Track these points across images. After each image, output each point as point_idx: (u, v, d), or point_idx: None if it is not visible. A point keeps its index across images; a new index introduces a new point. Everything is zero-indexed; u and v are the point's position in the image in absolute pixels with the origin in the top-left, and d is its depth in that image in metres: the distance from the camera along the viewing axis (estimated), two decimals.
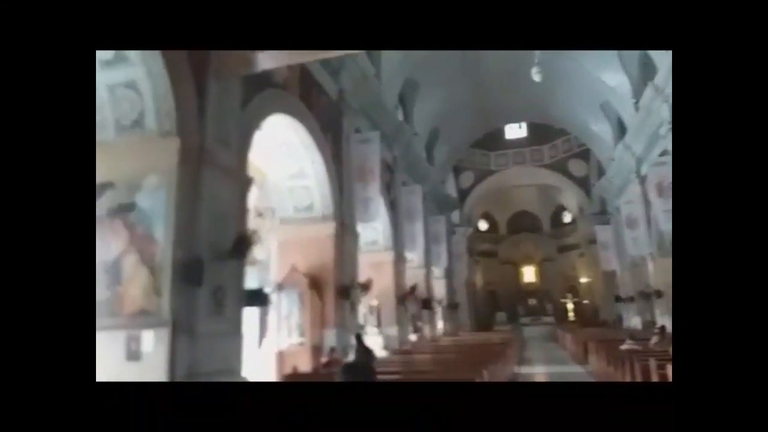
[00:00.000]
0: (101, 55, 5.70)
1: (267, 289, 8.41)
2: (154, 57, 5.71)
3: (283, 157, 9.50)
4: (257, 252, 8.86)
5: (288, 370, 7.50)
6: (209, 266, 5.76)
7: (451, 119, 20.67)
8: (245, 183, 6.89)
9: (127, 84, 5.89)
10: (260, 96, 7.47)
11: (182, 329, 5.41)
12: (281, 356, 8.69)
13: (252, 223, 7.72)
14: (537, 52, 11.55)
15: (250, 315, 9.32)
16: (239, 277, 6.53)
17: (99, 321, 5.48)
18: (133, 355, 5.35)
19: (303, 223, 9.88)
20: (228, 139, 6.56)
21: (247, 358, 6.71)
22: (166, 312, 5.35)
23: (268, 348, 9.06)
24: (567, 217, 31.38)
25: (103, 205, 5.81)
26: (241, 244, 6.34)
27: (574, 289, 30.81)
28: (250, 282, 7.42)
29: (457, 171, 26.32)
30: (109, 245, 5.71)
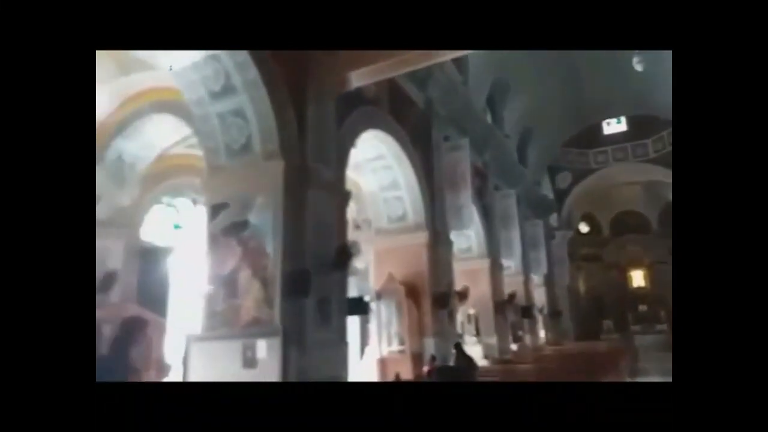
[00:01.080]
0: (211, 86, 6.31)
1: (367, 298, 8.67)
2: (257, 85, 6.20)
3: (376, 171, 9.78)
4: (357, 262, 9.17)
5: (390, 377, 7.63)
6: (315, 277, 6.06)
7: (544, 118, 19.86)
8: (344, 197, 7.19)
9: (234, 112, 6.45)
10: (354, 114, 7.79)
11: (292, 338, 5.74)
12: (383, 363, 8.87)
13: (350, 234, 8.02)
14: None
15: (352, 323, 9.65)
16: (342, 287, 6.81)
17: (217, 331, 6.05)
18: (249, 362, 5.75)
19: (397, 232, 10.07)
20: (327, 157, 6.90)
21: (351, 366, 6.94)
22: (277, 322, 5.72)
23: (370, 356, 9.29)
24: None
25: (218, 224, 6.39)
26: (343, 256, 6.62)
27: None
28: (351, 292, 7.70)
29: (553, 171, 25.09)
30: (225, 261, 6.25)
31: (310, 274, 5.98)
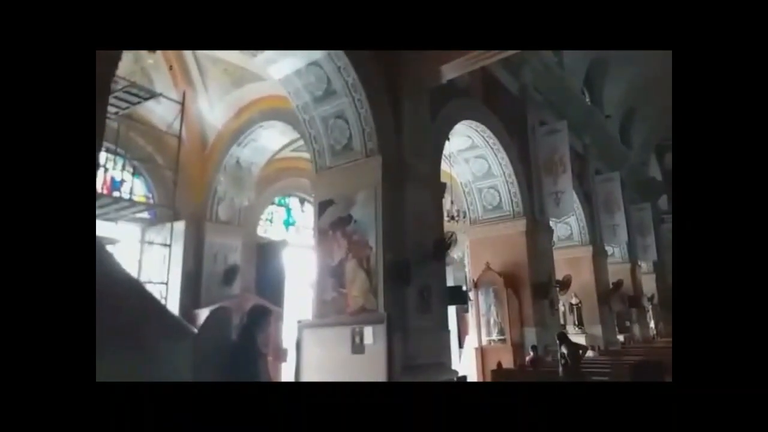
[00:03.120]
0: (314, 92, 6.80)
1: (464, 288, 8.80)
2: (356, 87, 6.57)
3: (470, 161, 9.81)
4: (453, 252, 9.32)
5: (491, 366, 7.71)
6: (414, 267, 6.32)
7: (648, 95, 18.33)
8: (440, 189, 7.37)
9: (336, 114, 6.89)
10: (447, 107, 7.91)
11: (396, 325, 6.04)
12: (482, 352, 8.95)
13: (446, 225, 8.18)
14: None
15: (449, 312, 9.83)
16: (441, 276, 7.01)
17: (327, 318, 6.53)
18: (358, 348, 6.14)
19: (493, 222, 10.03)
20: (422, 151, 7.12)
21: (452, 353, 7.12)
22: (381, 309, 6.06)
23: (470, 344, 9.41)
24: None
25: (326, 219, 6.89)
26: (441, 246, 6.81)
27: None
28: (448, 281, 7.87)
29: (661, 151, 23.09)
30: (333, 253, 6.73)
31: (410, 263, 6.25)
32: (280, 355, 8.27)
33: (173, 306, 8.12)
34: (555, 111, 12.03)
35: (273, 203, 10.77)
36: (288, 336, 8.25)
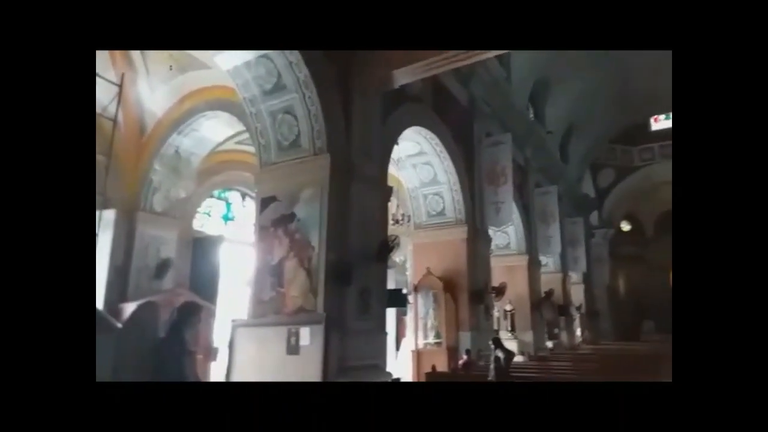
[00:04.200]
0: (264, 85, 6.63)
1: (404, 291, 8.89)
2: (308, 84, 6.47)
3: (417, 167, 9.95)
4: (395, 256, 9.39)
5: (426, 368, 7.83)
6: (356, 269, 6.31)
7: (587, 115, 19.42)
8: (386, 192, 7.40)
9: (285, 110, 6.76)
10: (398, 111, 7.98)
11: (334, 326, 6.00)
12: (418, 355, 9.07)
13: (390, 229, 8.24)
14: None
15: (388, 315, 9.90)
16: (382, 278, 7.04)
17: (263, 318, 6.37)
18: (293, 349, 6.03)
19: (436, 227, 10.22)
20: (371, 153, 7.13)
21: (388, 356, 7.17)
22: (320, 310, 5.99)
23: (407, 347, 9.51)
24: None
25: (267, 216, 6.73)
26: (384, 249, 6.84)
27: None
28: (389, 284, 7.92)
29: (595, 169, 24.48)
30: (273, 251, 6.58)
31: (352, 265, 6.23)
32: (210, 354, 7.97)
33: (97, 299, 7.63)
34: (500, 123, 12.46)
35: (212, 196, 10.38)
36: (220, 335, 7.98)
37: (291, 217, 6.54)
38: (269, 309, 6.39)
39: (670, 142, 24.07)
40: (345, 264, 6.22)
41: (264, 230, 6.70)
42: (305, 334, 5.99)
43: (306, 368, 5.77)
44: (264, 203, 6.81)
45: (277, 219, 6.63)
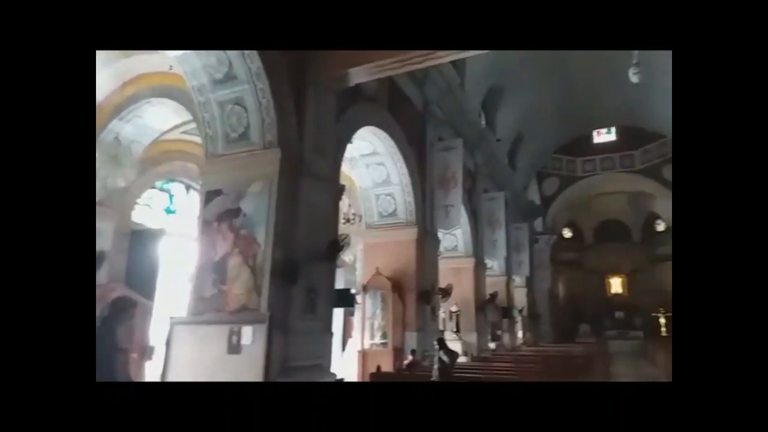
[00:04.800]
0: (214, 74, 6.38)
1: (353, 291, 8.84)
2: (260, 76, 6.29)
3: (370, 166, 9.93)
4: (345, 255, 9.32)
5: (371, 369, 7.81)
6: (303, 267, 6.19)
7: (535, 125, 20.17)
8: (338, 191, 7.32)
9: (235, 101, 6.54)
10: (352, 109, 7.92)
11: (278, 325, 5.86)
12: (364, 356, 9.05)
13: (341, 228, 8.16)
14: (635, 52, 10.92)
15: (335, 315, 9.81)
16: (330, 278, 6.95)
17: (203, 316, 6.14)
18: (234, 348, 5.84)
19: (386, 228, 10.24)
20: (323, 150, 7.02)
21: (333, 356, 7.10)
22: (264, 309, 5.84)
23: (353, 347, 9.46)
24: (660, 226, 29.16)
25: (212, 210, 6.48)
26: (334, 248, 6.75)
27: (667, 303, 28.52)
28: (338, 284, 7.84)
29: (541, 177, 25.49)
30: (216, 247, 6.34)
31: (299, 264, 6.11)
32: (146, 352, 7.59)
33: None
34: (453, 128, 12.67)
35: (154, 187, 9.88)
36: (158, 333, 7.61)
37: (237, 211, 6.33)
38: (210, 307, 6.16)
39: (611, 155, 25.45)
40: (292, 262, 6.09)
41: (208, 224, 6.45)
42: (247, 333, 5.83)
43: (247, 368, 5.61)
44: (209, 196, 6.56)
45: (222, 213, 6.41)
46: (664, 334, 27.06)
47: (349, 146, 8.11)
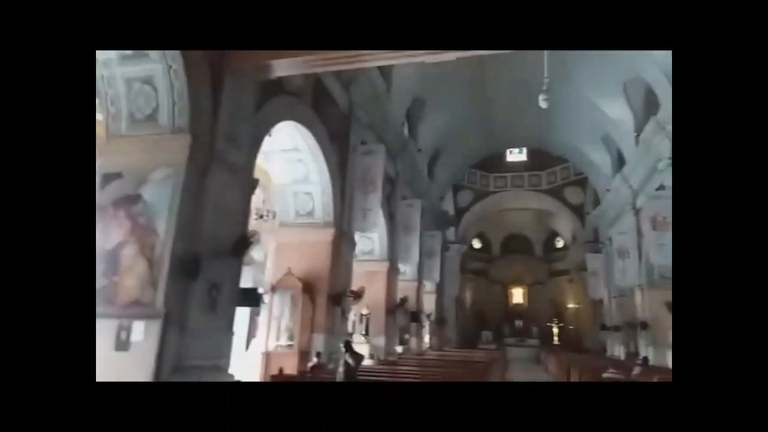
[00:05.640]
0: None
1: (261, 290, 8.53)
2: (174, 55, 5.88)
3: (289, 163, 9.68)
4: (254, 252, 8.98)
5: (274, 371, 7.58)
6: (207, 262, 5.86)
7: (454, 139, 20.95)
8: (251, 184, 7.03)
9: (144, 79, 6.06)
10: (274, 101, 7.65)
11: (174, 322, 5.50)
12: (268, 357, 8.76)
13: (252, 224, 7.86)
14: (546, 79, 11.70)
15: (240, 314, 9.41)
16: (236, 275, 6.64)
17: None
18: (122, 345, 5.39)
19: (302, 227, 10.03)
20: (238, 140, 6.72)
21: (234, 357, 6.81)
22: (159, 304, 5.45)
23: (256, 348, 9.13)
24: (559, 243, 31.59)
25: (108, 194, 5.94)
26: (242, 244, 6.47)
27: (560, 314, 30.91)
28: (245, 282, 7.53)
29: (456, 189, 26.57)
30: (110, 234, 5.81)
31: (201, 258, 5.77)
32: None
33: None
34: (376, 134, 12.76)
35: None
36: None
37: (136, 198, 5.85)
38: (98, 299, 5.61)
39: (521, 173, 27.18)
40: (194, 256, 5.74)
41: (101, 210, 5.89)
42: (138, 329, 5.41)
43: (135, 366, 5.21)
44: (106, 179, 6.01)
45: (119, 199, 5.90)
46: (556, 343, 29.27)
47: (267, 139, 7.83)
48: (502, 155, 27.13)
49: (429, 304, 20.91)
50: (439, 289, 22.41)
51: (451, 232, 25.83)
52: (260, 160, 7.91)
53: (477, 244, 32.58)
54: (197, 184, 6.00)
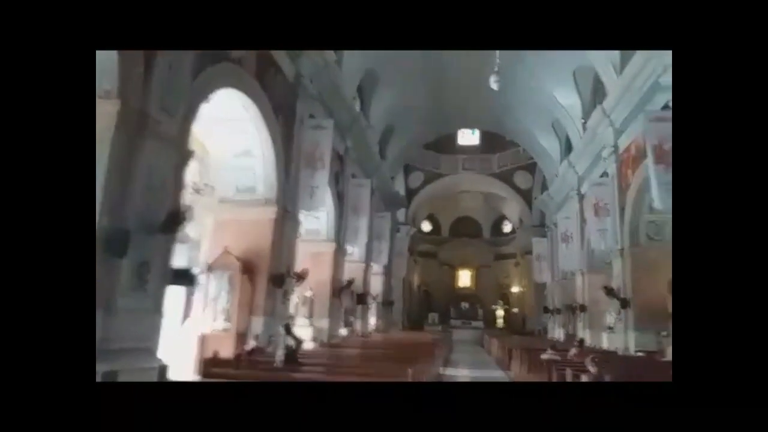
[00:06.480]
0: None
1: (196, 270, 8.06)
2: None
3: (229, 134, 9.11)
4: (189, 229, 8.45)
5: (209, 354, 7.21)
6: (136, 239, 5.40)
7: (407, 118, 20.73)
8: (185, 156, 6.52)
9: None
10: (213, 68, 7.10)
11: (99, 303, 5.02)
12: (203, 340, 8.35)
13: (187, 198, 7.35)
14: (497, 60, 11.68)
15: (174, 294, 8.90)
16: (167, 253, 6.19)
17: None
18: None
19: (243, 204, 9.54)
20: (172, 108, 6.18)
21: (166, 339, 6.41)
22: None
23: (191, 330, 8.69)
24: (507, 227, 32.42)
25: None
26: (174, 220, 6.01)
27: (505, 297, 31.93)
28: (179, 260, 7.07)
29: (408, 170, 26.52)
30: None
31: (129, 233, 5.30)
32: None
33: None
34: (325, 108, 12.32)
35: None
36: None
37: None
38: None
39: (472, 156, 27.47)
40: (121, 232, 5.26)
41: None
42: None
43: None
44: None
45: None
46: (500, 325, 30.24)
47: (206, 108, 7.29)
48: (454, 137, 27.26)
49: (376, 285, 20.90)
50: (387, 271, 22.44)
51: (401, 214, 25.83)
52: (197, 131, 7.37)
53: (427, 226, 32.86)
54: (126, 154, 5.47)
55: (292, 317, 11.27)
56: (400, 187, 25.36)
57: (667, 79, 9.58)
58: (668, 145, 9.08)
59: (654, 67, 10.18)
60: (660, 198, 9.18)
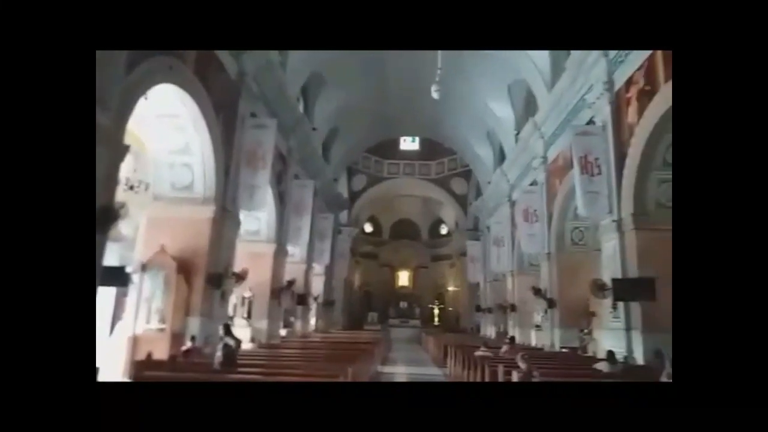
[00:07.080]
0: None
1: (129, 269, 7.76)
2: None
3: (166, 130, 8.84)
4: (122, 227, 8.11)
5: (142, 356, 6.97)
6: None
7: (351, 121, 20.88)
8: (120, 151, 6.30)
9: None
10: (150, 61, 6.89)
11: None
12: (136, 341, 8.04)
13: (120, 195, 7.07)
14: (439, 71, 12.07)
15: (105, 295, 8.52)
16: (99, 252, 5.94)
17: None
18: None
19: (180, 202, 9.28)
20: (106, 101, 5.95)
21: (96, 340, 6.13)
22: None
23: (122, 332, 8.34)
24: (444, 230, 33.40)
25: None
26: (105, 217, 5.78)
27: (441, 296, 32.86)
28: (110, 259, 6.79)
29: (351, 173, 26.71)
30: None
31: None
32: None
33: None
34: (268, 107, 12.21)
35: None
36: None
37: None
38: None
39: (413, 162, 28.14)
40: None
41: None
42: None
43: None
44: None
45: None
46: (436, 323, 31.07)
47: (142, 102, 7.06)
48: (396, 142, 27.83)
49: (318, 286, 20.85)
50: (329, 272, 22.44)
51: (344, 215, 25.92)
52: (132, 125, 7.12)
53: (368, 228, 33.19)
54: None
55: (231, 318, 11.05)
56: (343, 189, 25.46)
57: (592, 96, 10.38)
58: (592, 157, 9.85)
59: (581, 85, 10.99)
60: (584, 206, 9.91)
